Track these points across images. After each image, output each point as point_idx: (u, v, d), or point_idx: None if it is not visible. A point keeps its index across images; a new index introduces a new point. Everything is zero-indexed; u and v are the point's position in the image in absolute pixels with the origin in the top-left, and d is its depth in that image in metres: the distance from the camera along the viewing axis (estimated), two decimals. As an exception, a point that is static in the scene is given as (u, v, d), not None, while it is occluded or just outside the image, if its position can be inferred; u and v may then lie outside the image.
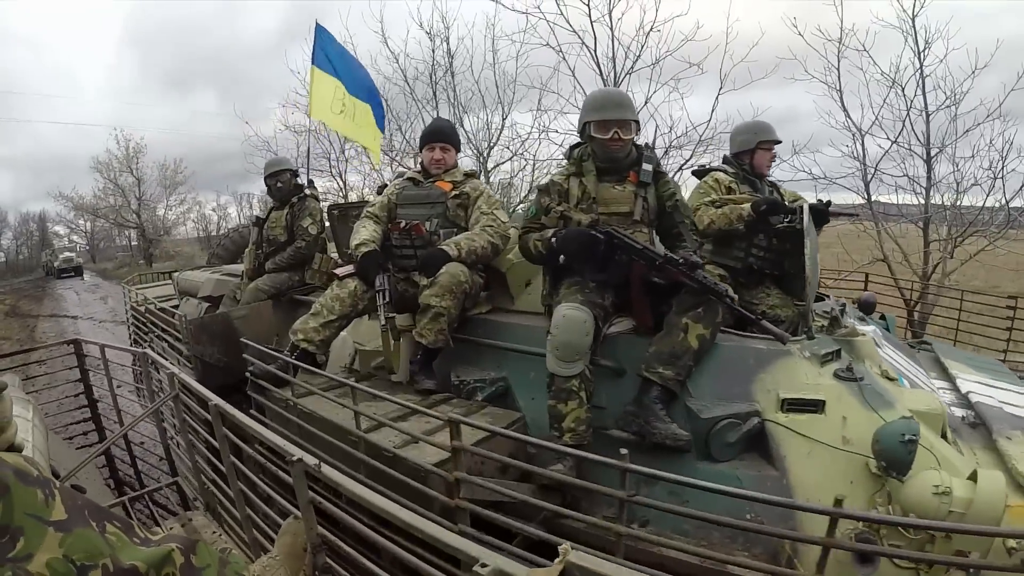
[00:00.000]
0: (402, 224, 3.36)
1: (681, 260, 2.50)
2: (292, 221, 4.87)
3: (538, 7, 9.90)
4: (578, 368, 2.48)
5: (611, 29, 9.84)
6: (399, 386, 3.15)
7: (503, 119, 11.55)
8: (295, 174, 5.14)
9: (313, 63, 6.24)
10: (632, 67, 9.95)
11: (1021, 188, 8.19)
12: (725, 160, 3.67)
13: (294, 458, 1.72)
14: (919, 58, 8.39)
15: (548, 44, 10.21)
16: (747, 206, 3.22)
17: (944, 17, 8.24)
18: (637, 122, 2.85)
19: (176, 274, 7.80)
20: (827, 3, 8.74)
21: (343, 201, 15.75)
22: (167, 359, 4.18)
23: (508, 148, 11.66)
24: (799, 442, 2.28)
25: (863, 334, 2.85)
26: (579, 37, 9.99)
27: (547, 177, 3.01)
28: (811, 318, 2.73)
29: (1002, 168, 8.16)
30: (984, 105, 7.99)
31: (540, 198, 2.95)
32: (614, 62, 9.98)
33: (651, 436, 2.36)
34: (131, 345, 6.42)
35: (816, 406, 2.33)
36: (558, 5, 9.78)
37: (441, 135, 3.53)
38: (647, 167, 2.86)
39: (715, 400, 2.45)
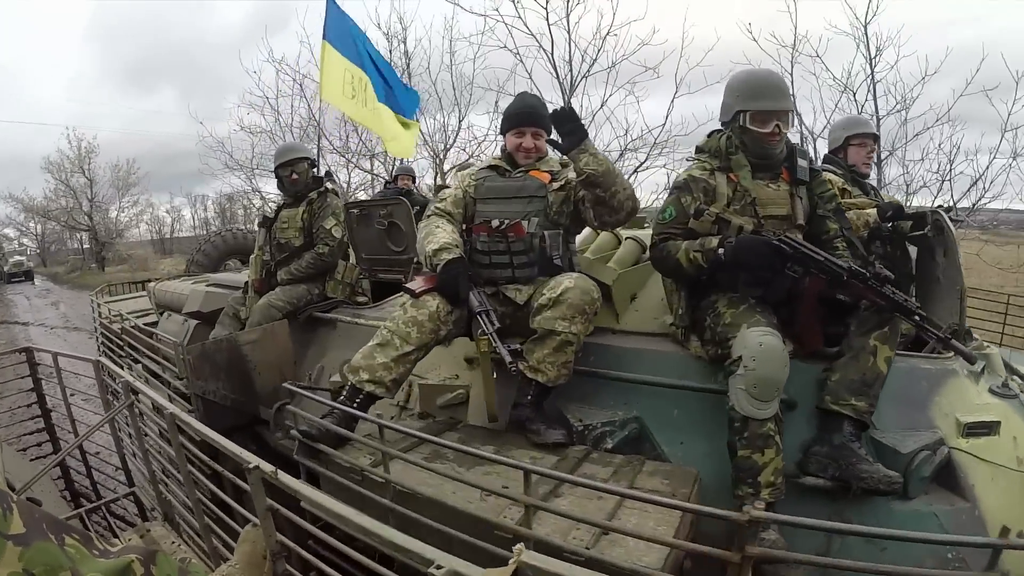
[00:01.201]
0: (495, 223, 2.60)
1: (870, 275, 2.14)
2: (311, 221, 4.08)
3: (496, 9, 10.04)
4: (774, 408, 2.03)
5: (568, 32, 10.04)
6: (496, 436, 2.45)
7: (460, 121, 11.73)
8: (313, 164, 4.29)
9: (325, 38, 5.65)
10: (589, 70, 10.15)
11: (968, 190, 8.55)
12: (827, 160, 3.46)
13: (251, 465, 1.73)
14: (870, 64, 8.75)
15: (506, 47, 10.35)
16: (873, 212, 3.04)
17: (896, 25, 8.56)
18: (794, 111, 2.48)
19: (152, 284, 6.70)
20: (781, 10, 9.02)
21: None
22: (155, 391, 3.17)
23: (464, 150, 11.80)
24: (984, 468, 2.12)
25: (989, 346, 2.66)
26: (536, 40, 10.16)
27: (683, 171, 2.54)
28: (964, 333, 2.51)
29: (950, 170, 8.54)
30: (934, 110, 8.38)
31: (680, 197, 2.45)
32: (571, 65, 10.18)
33: (859, 482, 1.98)
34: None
35: (991, 428, 2.16)
36: (516, 8, 9.91)
37: (534, 117, 2.76)
38: (803, 163, 2.47)
39: (900, 430, 2.17)
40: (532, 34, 10.13)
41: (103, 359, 3.73)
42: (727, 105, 2.46)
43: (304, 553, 1.81)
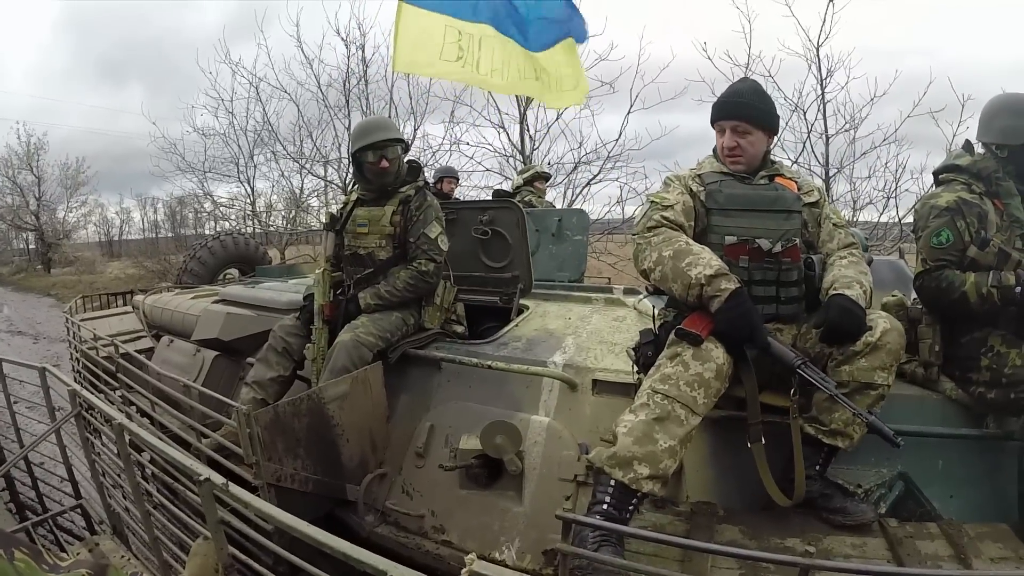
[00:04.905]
0: (764, 244, 2.07)
1: None
2: (405, 226, 3.07)
3: (456, 19, 10.03)
4: None
5: (527, 45, 10.08)
6: (778, 522, 2.01)
7: (415, 130, 11.77)
8: (407, 148, 3.30)
9: None
10: (546, 83, 10.22)
11: (913, 206, 8.91)
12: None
13: (201, 477, 1.73)
14: (821, 85, 9.02)
15: (464, 57, 10.34)
16: None
17: (847, 48, 8.88)
18: None
19: (141, 298, 5.22)
20: (736, 31, 9.26)
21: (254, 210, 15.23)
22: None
23: (419, 159, 11.81)
24: None
25: None
26: (495, 52, 10.20)
27: (945, 191, 2.29)
28: None
29: (896, 188, 8.89)
30: (881, 130, 8.68)
31: (955, 221, 2.19)
32: (528, 77, 10.22)
33: None
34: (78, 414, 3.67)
35: None
36: (477, 18, 9.97)
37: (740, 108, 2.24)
38: None
39: None
40: (492, 45, 10.21)
41: (48, 366, 3.62)
42: (1015, 127, 2.21)
43: (256, 566, 1.82)
